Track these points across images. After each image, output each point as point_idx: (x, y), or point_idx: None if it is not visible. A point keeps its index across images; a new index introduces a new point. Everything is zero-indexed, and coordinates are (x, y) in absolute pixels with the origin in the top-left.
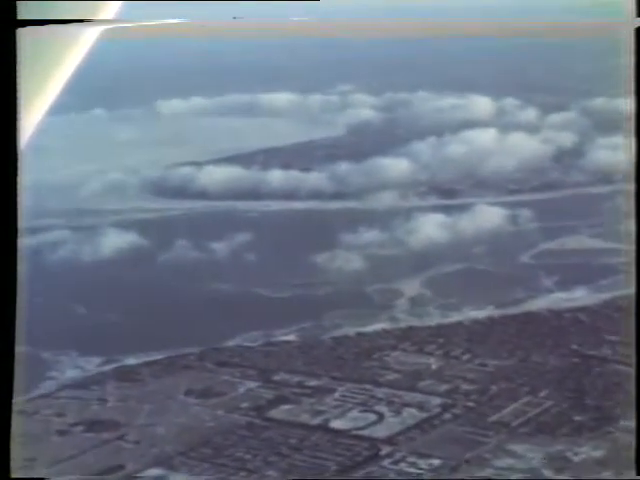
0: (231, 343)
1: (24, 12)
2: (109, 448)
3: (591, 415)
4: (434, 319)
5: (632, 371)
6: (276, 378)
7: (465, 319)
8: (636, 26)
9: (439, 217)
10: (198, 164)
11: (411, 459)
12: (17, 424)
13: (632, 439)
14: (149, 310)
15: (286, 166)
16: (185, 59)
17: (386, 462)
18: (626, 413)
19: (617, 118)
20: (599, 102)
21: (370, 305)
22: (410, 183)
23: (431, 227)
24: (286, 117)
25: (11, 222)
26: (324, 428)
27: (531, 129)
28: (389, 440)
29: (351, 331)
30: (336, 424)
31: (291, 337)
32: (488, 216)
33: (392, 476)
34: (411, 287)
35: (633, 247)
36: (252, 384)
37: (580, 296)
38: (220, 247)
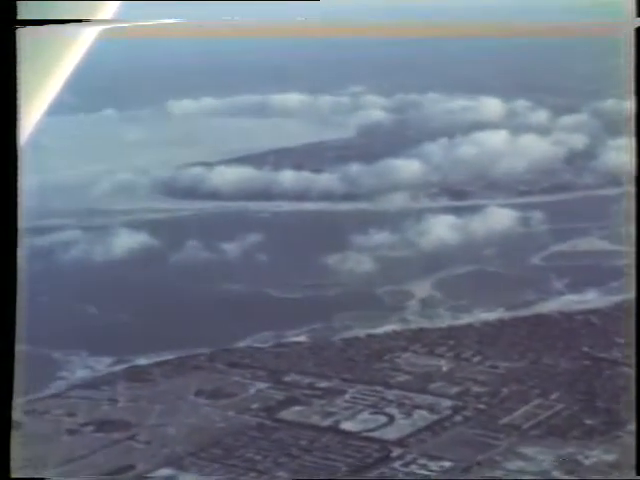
0: (242, 344)
1: (24, 12)
2: (120, 448)
3: (602, 418)
4: (445, 321)
5: (633, 372)
6: (287, 379)
7: (476, 321)
8: (636, 26)
9: (450, 219)
10: (207, 164)
11: (422, 461)
12: (28, 423)
13: None
14: (159, 310)
15: (297, 167)
16: (184, 59)
17: (397, 464)
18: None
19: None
20: (609, 104)
21: (381, 307)
22: (421, 184)
23: (442, 229)
24: (297, 118)
25: (11, 222)
26: (335, 430)
27: (542, 131)
28: (400, 442)
29: (362, 332)
30: (347, 426)
31: (302, 338)
32: (499, 218)
33: (402, 477)
34: (422, 289)
35: (633, 249)
36: (262, 385)
37: (591, 298)
38: (231, 248)
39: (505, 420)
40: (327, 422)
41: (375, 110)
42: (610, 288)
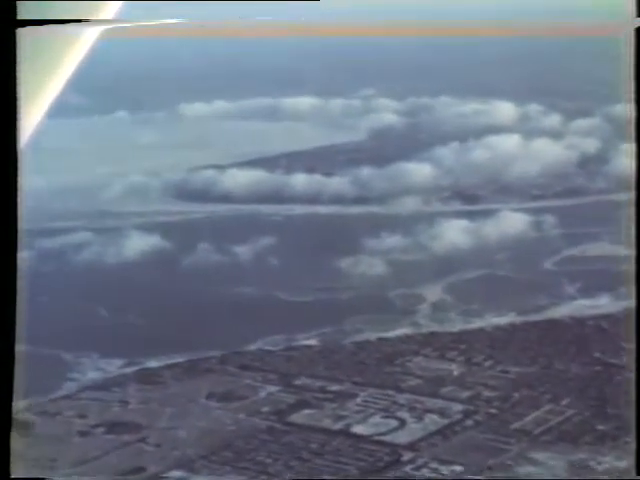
0: (253, 347)
1: (24, 12)
2: (130, 450)
3: (614, 424)
4: (456, 325)
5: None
6: (297, 382)
7: (487, 325)
8: (636, 26)
9: (462, 222)
10: (219, 167)
11: (433, 465)
12: (39, 424)
13: None
14: (171, 313)
15: (309, 170)
16: (192, 61)
17: (408, 468)
18: None
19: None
20: (622, 108)
21: (392, 310)
22: (433, 188)
23: (454, 232)
24: (308, 121)
25: (11, 223)
26: (345, 433)
27: (554, 135)
28: (411, 446)
29: (373, 336)
30: (358, 429)
31: (313, 341)
32: (511, 222)
33: None
34: (433, 293)
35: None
36: (273, 388)
37: (602, 303)
38: (243, 250)
39: (516, 425)
40: (338, 425)
41: (387, 113)
42: (621, 293)
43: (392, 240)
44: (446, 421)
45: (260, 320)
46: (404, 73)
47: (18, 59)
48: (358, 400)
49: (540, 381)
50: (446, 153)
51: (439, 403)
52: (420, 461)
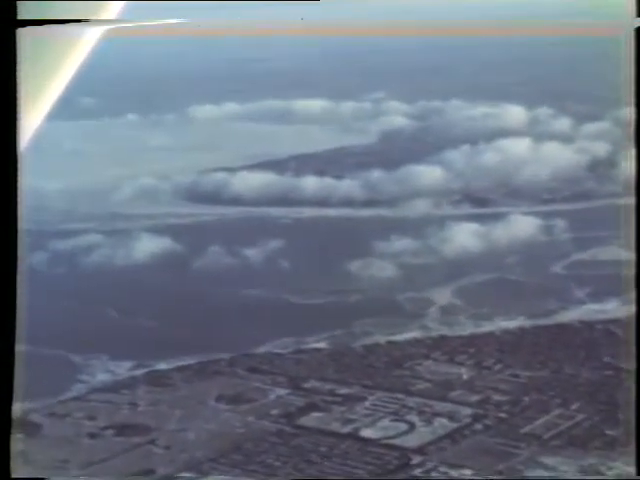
0: (262, 350)
1: (24, 12)
2: (139, 452)
3: (624, 429)
4: (466, 329)
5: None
6: (306, 385)
7: (497, 329)
8: (636, 26)
9: (471, 226)
10: (229, 170)
11: (442, 469)
12: (49, 426)
13: None
14: (180, 315)
15: (319, 173)
16: (192, 62)
17: (417, 472)
18: None
19: None
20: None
21: (401, 314)
22: (443, 191)
23: (463, 236)
24: (319, 124)
25: (11, 223)
26: (354, 437)
27: (564, 138)
28: (420, 450)
29: (382, 339)
30: (366, 433)
31: (322, 344)
32: (520, 225)
33: None
34: (443, 296)
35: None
36: (282, 391)
37: (612, 308)
38: (252, 253)
39: (526, 429)
40: (347, 429)
41: (397, 116)
42: (631, 298)
43: (402, 243)
44: (455, 425)
45: (269, 323)
46: (414, 76)
47: (18, 59)
48: (367, 403)
49: (550, 385)
50: (456, 156)
51: (448, 407)
52: (429, 465)
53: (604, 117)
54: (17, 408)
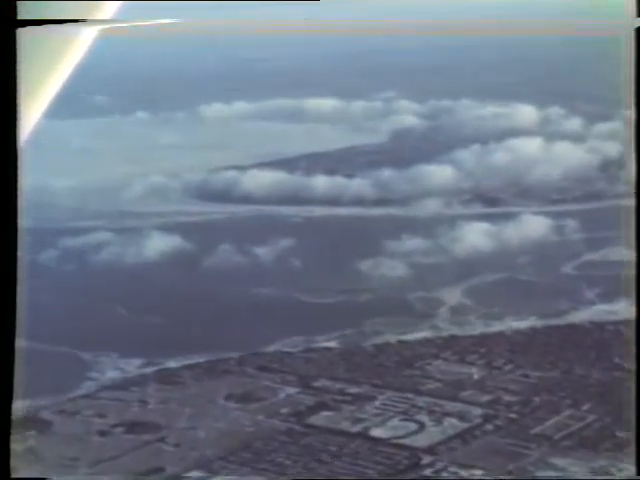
0: (272, 348)
1: (24, 12)
2: (149, 450)
3: (634, 431)
4: (476, 328)
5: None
6: (316, 384)
7: (507, 329)
8: (636, 26)
9: (482, 225)
10: (239, 168)
11: (452, 469)
12: (59, 423)
13: None
14: (190, 313)
15: (329, 172)
16: (209, 63)
17: (427, 472)
18: None
19: None
20: None
21: (412, 313)
22: (453, 191)
23: (474, 235)
24: (329, 123)
25: (11, 222)
26: (364, 436)
27: (575, 138)
28: (430, 450)
29: (393, 339)
30: (376, 432)
31: (332, 343)
32: (531, 225)
33: None
34: (453, 296)
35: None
36: (292, 390)
37: (622, 308)
38: (263, 252)
39: (536, 430)
40: (357, 428)
41: (407, 116)
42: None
43: (412, 242)
44: (466, 425)
45: (279, 321)
46: (425, 75)
47: (18, 59)
48: (377, 403)
49: (560, 386)
50: (466, 156)
51: (458, 407)
52: (439, 464)
53: (613, 117)
54: (27, 405)
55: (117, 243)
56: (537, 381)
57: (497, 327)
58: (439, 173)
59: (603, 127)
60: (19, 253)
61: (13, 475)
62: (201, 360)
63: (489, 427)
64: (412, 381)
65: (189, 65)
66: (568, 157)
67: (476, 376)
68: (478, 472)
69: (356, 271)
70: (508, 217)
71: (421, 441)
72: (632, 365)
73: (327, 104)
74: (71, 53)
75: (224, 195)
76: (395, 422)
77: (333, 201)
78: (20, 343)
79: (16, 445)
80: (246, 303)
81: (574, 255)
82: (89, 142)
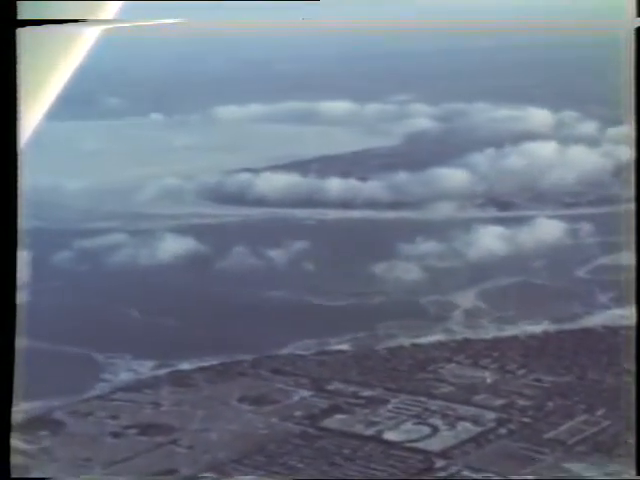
0: (285, 351)
1: (24, 12)
2: (162, 452)
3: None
4: (490, 332)
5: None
6: (330, 387)
7: (521, 333)
8: (636, 26)
9: (496, 229)
10: (253, 170)
11: (466, 473)
12: (72, 425)
13: None
14: (203, 315)
15: (343, 174)
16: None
17: (440, 475)
18: None
19: None
20: None
21: (425, 316)
22: (467, 194)
23: (488, 239)
24: (343, 125)
25: (11, 222)
26: (377, 439)
27: (590, 142)
28: (443, 453)
29: (406, 342)
30: (390, 436)
31: (345, 346)
32: (545, 229)
33: None
34: (467, 299)
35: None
36: (306, 393)
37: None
38: (276, 254)
39: (550, 435)
40: (370, 431)
41: (421, 118)
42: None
43: (426, 246)
44: (479, 429)
45: (293, 324)
46: (439, 78)
47: (18, 59)
48: (390, 406)
49: (574, 391)
50: (481, 159)
51: (472, 411)
52: (453, 469)
53: (627, 121)
54: (40, 405)
55: (131, 245)
56: (550, 385)
57: (510, 331)
58: (453, 176)
59: (616, 131)
60: (19, 253)
61: (13, 475)
62: (214, 362)
63: (503, 431)
64: (425, 384)
65: (194, 66)
66: (582, 160)
67: (489, 380)
68: (491, 476)
69: (369, 274)
70: (522, 221)
71: (434, 445)
72: (632, 366)
73: (341, 107)
74: (72, 53)
75: (238, 197)
76: (408, 425)
77: (347, 204)
78: (23, 343)
79: (30, 446)
80: (259, 306)
81: (588, 259)
82: (97, 144)
